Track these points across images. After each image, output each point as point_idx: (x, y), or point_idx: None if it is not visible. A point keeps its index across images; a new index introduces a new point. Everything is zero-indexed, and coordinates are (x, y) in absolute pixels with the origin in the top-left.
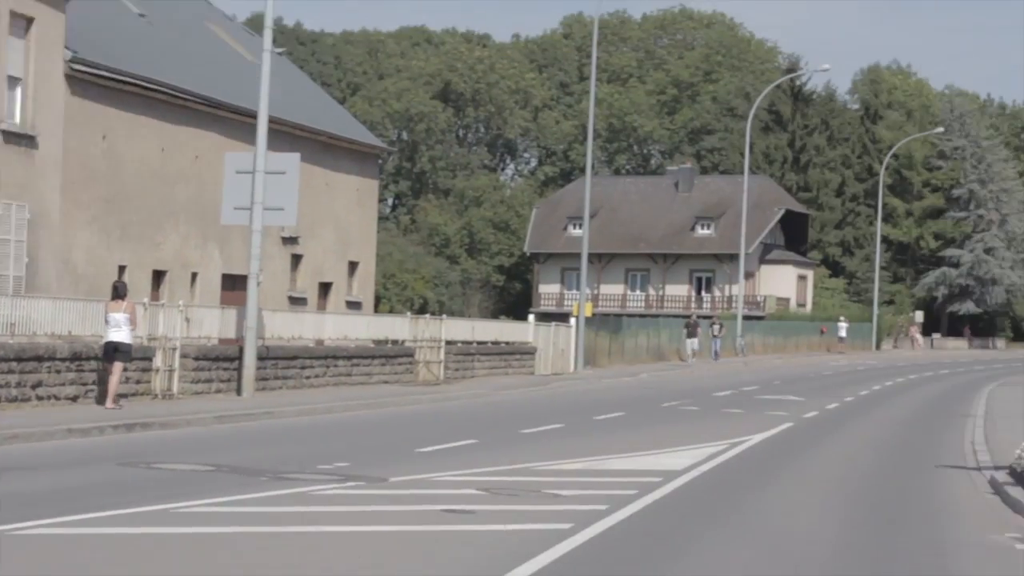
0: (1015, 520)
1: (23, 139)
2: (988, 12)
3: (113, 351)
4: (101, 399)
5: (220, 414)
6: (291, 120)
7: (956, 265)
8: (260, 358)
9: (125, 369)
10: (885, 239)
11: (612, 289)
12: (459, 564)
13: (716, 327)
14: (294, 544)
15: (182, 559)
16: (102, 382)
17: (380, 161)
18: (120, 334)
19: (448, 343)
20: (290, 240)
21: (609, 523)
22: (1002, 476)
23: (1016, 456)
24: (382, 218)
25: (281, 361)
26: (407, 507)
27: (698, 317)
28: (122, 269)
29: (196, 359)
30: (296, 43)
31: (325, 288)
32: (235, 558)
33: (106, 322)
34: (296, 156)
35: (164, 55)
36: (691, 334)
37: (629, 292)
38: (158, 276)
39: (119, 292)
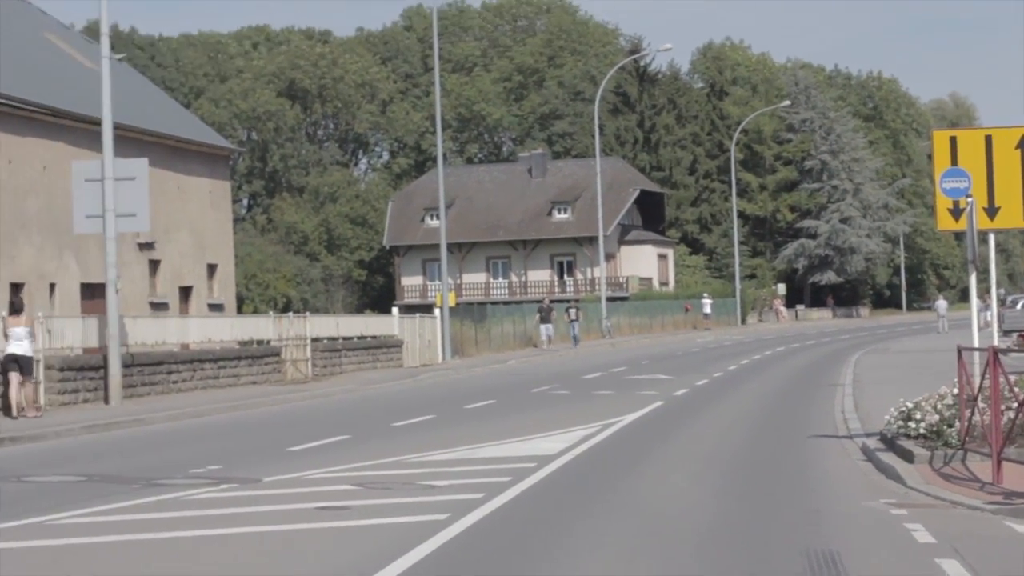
0: (888, 485)
1: None
2: None
3: (13, 362)
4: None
5: (89, 424)
6: (137, 126)
7: (814, 236)
8: (125, 365)
9: (24, 383)
10: (741, 214)
11: (474, 278)
12: (336, 560)
13: (572, 311)
14: (169, 550)
15: (57, 571)
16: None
17: (231, 162)
18: (21, 347)
19: (314, 340)
20: (146, 246)
21: (485, 511)
22: (873, 443)
23: (886, 422)
24: (238, 219)
25: (147, 367)
26: (281, 506)
27: (551, 302)
28: None
29: (61, 370)
30: (135, 48)
31: (186, 292)
32: (111, 567)
33: (6, 336)
34: (144, 161)
35: (4, 68)
36: (544, 319)
37: (492, 280)
38: (16, 289)
39: (16, 307)
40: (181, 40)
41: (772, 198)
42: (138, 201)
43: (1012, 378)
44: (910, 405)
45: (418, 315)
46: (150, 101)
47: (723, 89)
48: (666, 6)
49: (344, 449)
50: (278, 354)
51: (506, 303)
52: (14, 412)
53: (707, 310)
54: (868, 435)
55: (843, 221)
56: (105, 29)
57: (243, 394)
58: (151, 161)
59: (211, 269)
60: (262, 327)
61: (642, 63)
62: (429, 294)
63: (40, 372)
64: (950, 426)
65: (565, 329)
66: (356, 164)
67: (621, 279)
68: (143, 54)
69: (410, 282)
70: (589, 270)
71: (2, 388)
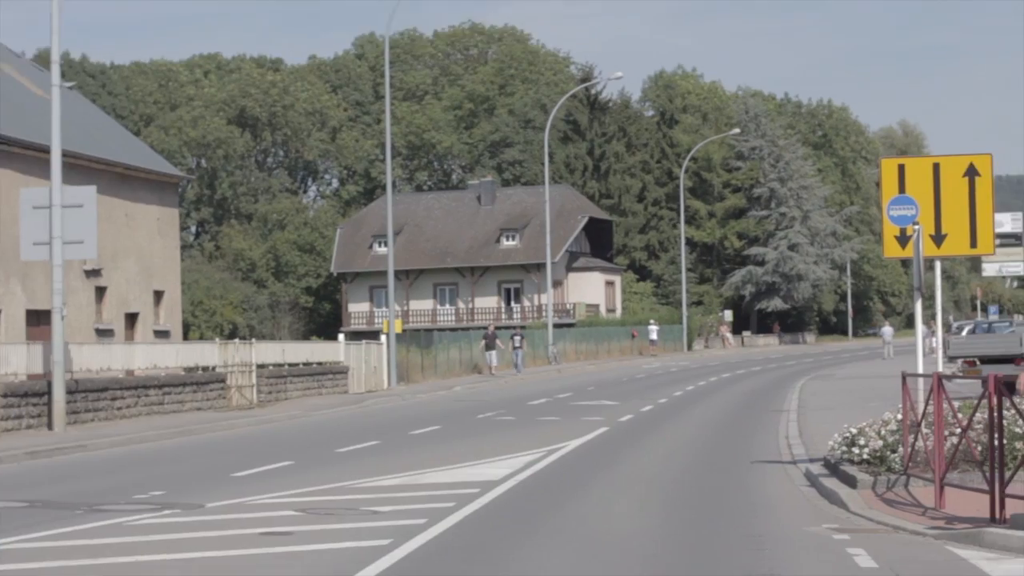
0: (831, 510)
1: None
2: (780, 16)
3: None
4: None
5: (32, 450)
6: (86, 153)
7: (761, 263)
8: (70, 391)
9: None
10: (689, 241)
11: (422, 304)
12: None
13: (516, 338)
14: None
15: None
16: None
17: (180, 189)
18: None
19: (259, 367)
20: (93, 273)
21: (428, 537)
22: (817, 468)
23: (829, 448)
24: (186, 246)
25: (91, 393)
26: (224, 532)
27: (496, 328)
28: None
29: (4, 396)
30: (86, 76)
31: (132, 319)
32: None
33: None
34: (92, 189)
35: None
36: (490, 346)
37: (439, 307)
38: None
39: None
40: (132, 68)
41: (720, 225)
42: (86, 228)
43: (956, 404)
44: (854, 431)
45: (364, 341)
46: (99, 129)
47: (673, 117)
48: (618, 35)
49: (288, 475)
50: (223, 380)
51: (453, 330)
52: None
53: (654, 336)
54: (812, 460)
55: (791, 248)
56: (56, 57)
57: (188, 420)
58: (99, 188)
59: (158, 296)
60: (208, 353)
61: (593, 91)
62: (376, 321)
63: None
64: (893, 451)
65: (510, 356)
66: (305, 191)
67: (568, 306)
68: (94, 82)
69: (357, 309)
70: (536, 297)
71: None
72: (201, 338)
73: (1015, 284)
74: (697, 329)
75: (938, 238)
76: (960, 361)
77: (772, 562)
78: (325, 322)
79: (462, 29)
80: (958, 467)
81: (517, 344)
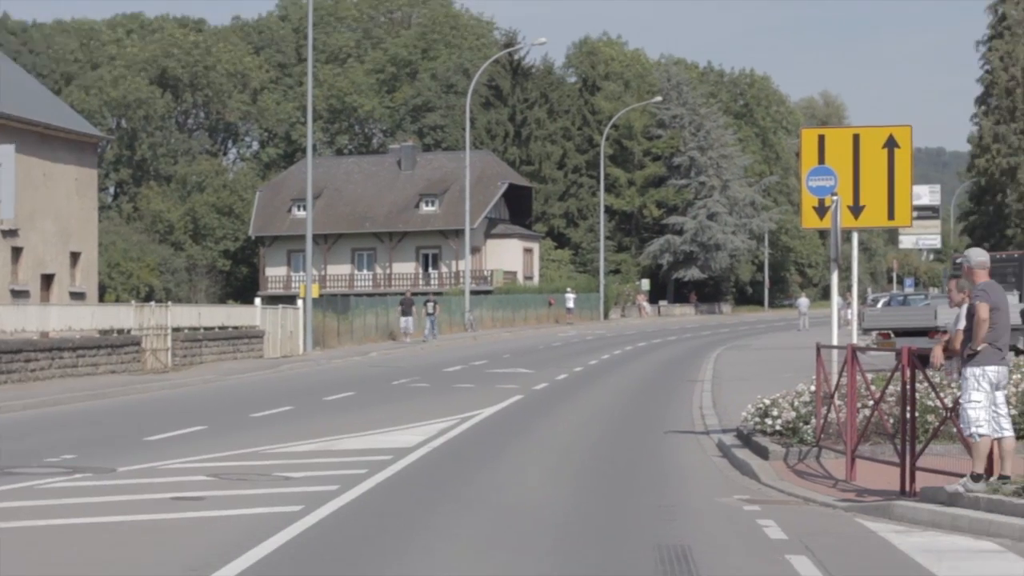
0: (742, 481)
1: None
2: None
3: None
4: None
5: None
6: (4, 112)
7: (680, 232)
8: None
9: None
10: (608, 209)
11: (339, 269)
12: (188, 551)
13: (430, 305)
14: (21, 538)
15: None
16: None
17: (99, 150)
18: None
19: (175, 330)
20: (10, 233)
21: (340, 503)
22: (729, 439)
23: (743, 418)
24: (104, 207)
25: (4, 355)
26: (136, 496)
27: (413, 295)
28: None
29: None
30: (7, 34)
31: (48, 280)
32: None
33: None
34: (11, 147)
35: None
36: (406, 312)
37: (356, 272)
38: None
39: None
40: (54, 26)
41: (640, 194)
42: (4, 188)
43: (869, 376)
44: (767, 402)
45: (281, 306)
46: (19, 87)
47: (595, 84)
48: (544, 1)
49: (201, 439)
50: (138, 343)
51: (370, 295)
52: None
53: (570, 305)
54: (725, 431)
55: (709, 218)
56: None
57: (102, 383)
58: (18, 148)
59: (74, 257)
60: (123, 316)
61: (516, 57)
62: (293, 285)
63: None
64: (806, 423)
65: (422, 322)
66: (225, 154)
67: (486, 272)
68: (15, 40)
69: (274, 273)
70: (454, 263)
71: None
72: (117, 300)
73: (931, 257)
74: (614, 298)
75: (856, 209)
76: (875, 333)
77: (683, 532)
78: (242, 286)
79: None
80: (870, 439)
81: (430, 311)
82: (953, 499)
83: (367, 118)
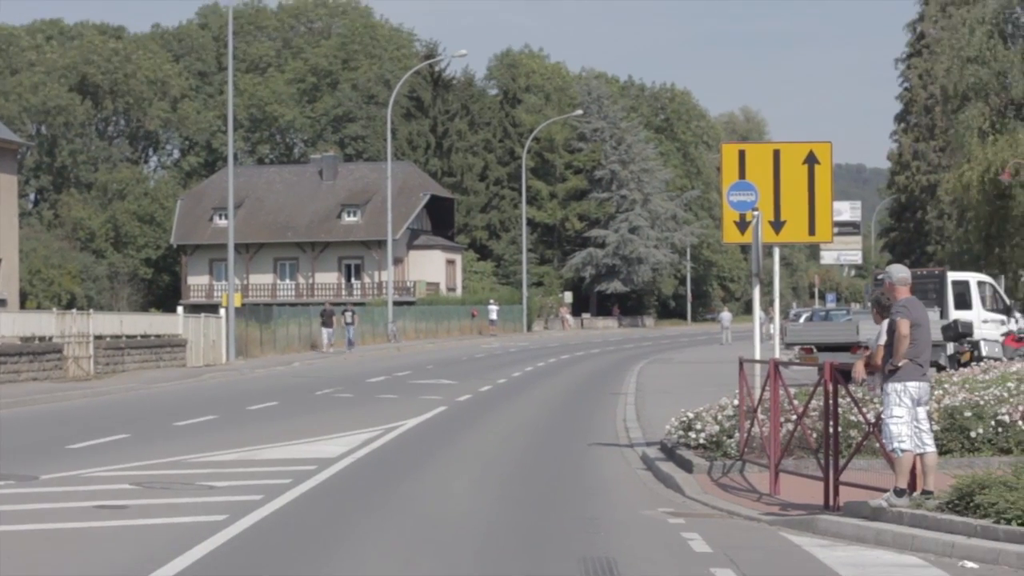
0: (667, 494)
1: None
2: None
3: None
4: None
5: None
6: None
7: (602, 245)
8: None
9: None
10: (531, 222)
11: (262, 279)
12: (111, 560)
13: (348, 314)
14: None
15: None
16: None
17: (19, 156)
18: None
19: (97, 338)
20: None
21: (263, 513)
22: (653, 452)
23: (666, 431)
24: (24, 214)
25: None
26: (58, 504)
27: (332, 304)
28: None
29: None
30: None
31: None
32: None
33: None
34: None
35: None
36: (326, 323)
37: (279, 281)
38: None
39: None
40: None
41: (562, 206)
42: None
43: (792, 391)
44: (691, 415)
45: (203, 315)
46: None
47: (516, 96)
48: (464, 12)
49: (124, 448)
50: (60, 351)
51: (292, 305)
52: None
53: (493, 316)
54: (649, 444)
55: (631, 231)
56: None
57: (22, 391)
58: None
59: None
60: (44, 323)
61: (437, 68)
62: (215, 294)
63: None
64: (730, 437)
65: (341, 333)
66: (146, 162)
67: (409, 283)
68: None
69: (197, 281)
70: (377, 273)
71: None
72: (38, 307)
73: (852, 272)
74: (537, 310)
75: (777, 224)
76: (797, 348)
77: (607, 545)
78: (164, 294)
79: (306, 2)
80: (793, 454)
81: (349, 320)
82: (877, 514)
83: (288, 128)
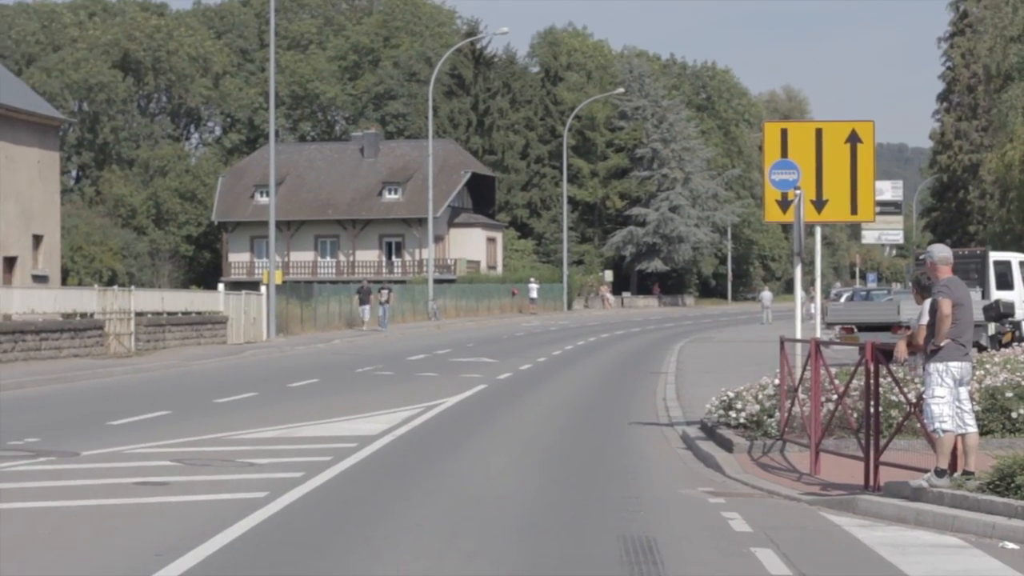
0: (707, 474)
1: None
2: None
3: None
4: None
5: None
6: None
7: (643, 224)
8: None
9: None
10: (571, 200)
11: (302, 256)
12: (153, 536)
13: (384, 293)
14: None
15: None
16: None
17: (61, 133)
18: None
19: (138, 314)
20: None
21: (304, 490)
22: (693, 431)
23: (707, 411)
24: (66, 190)
25: None
26: (99, 480)
27: (369, 283)
28: None
29: None
30: None
31: (10, 263)
32: None
33: None
34: None
35: None
36: (363, 300)
37: (319, 259)
38: None
39: None
40: (16, 8)
41: (602, 185)
42: None
43: (832, 370)
44: (731, 394)
45: (244, 292)
46: None
47: (557, 74)
48: None
49: (165, 425)
50: (101, 327)
51: (333, 283)
52: None
53: (534, 295)
54: (689, 423)
55: (672, 210)
56: None
57: (65, 367)
58: None
59: (36, 240)
60: (86, 300)
61: (478, 46)
62: (256, 271)
63: None
64: (770, 416)
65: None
66: (188, 138)
67: (449, 261)
68: None
69: (237, 259)
70: (418, 251)
71: None
72: (80, 284)
73: (894, 252)
74: (577, 288)
75: (819, 203)
76: (838, 328)
77: (647, 524)
78: (205, 271)
79: None
80: (834, 433)
81: (384, 299)
82: (917, 494)
83: (329, 105)
